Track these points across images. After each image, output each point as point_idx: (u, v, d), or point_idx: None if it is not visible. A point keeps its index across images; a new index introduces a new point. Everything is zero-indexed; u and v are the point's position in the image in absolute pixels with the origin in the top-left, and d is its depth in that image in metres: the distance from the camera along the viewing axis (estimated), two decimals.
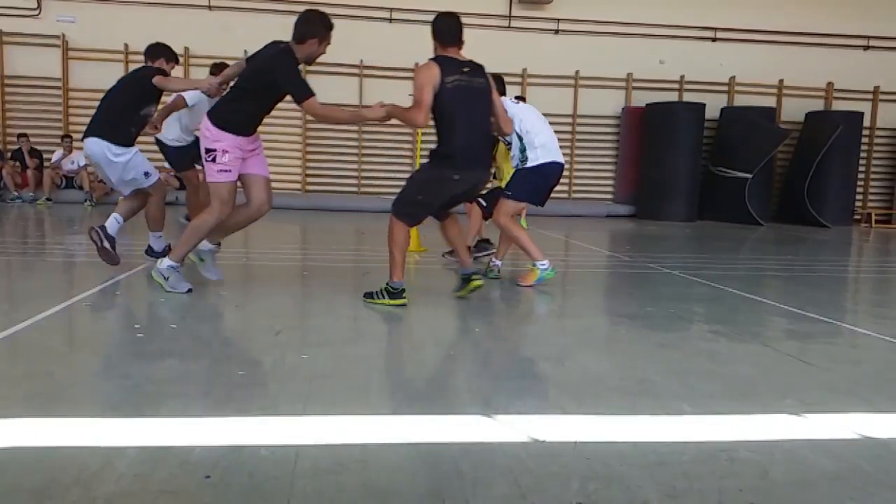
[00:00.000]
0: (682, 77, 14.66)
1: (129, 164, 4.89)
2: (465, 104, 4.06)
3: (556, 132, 5.31)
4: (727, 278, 5.87)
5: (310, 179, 13.90)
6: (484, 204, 5.85)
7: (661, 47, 14.53)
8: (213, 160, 4.12)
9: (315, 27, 4.07)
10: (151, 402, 2.40)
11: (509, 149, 5.26)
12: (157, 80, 4.83)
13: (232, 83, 4.30)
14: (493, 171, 5.73)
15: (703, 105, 13.79)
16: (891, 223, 14.97)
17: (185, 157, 6.55)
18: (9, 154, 12.51)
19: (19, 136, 12.48)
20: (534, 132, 5.01)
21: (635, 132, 14.10)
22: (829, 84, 14.91)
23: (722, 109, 14.29)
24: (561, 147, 5.32)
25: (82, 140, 4.99)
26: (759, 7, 14.39)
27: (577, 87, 14.40)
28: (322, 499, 1.76)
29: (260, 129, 4.32)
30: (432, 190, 4.17)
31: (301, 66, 4.13)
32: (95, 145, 4.83)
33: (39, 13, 13.02)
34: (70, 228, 8.82)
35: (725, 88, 14.81)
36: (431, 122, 4.14)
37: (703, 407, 2.57)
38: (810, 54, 14.81)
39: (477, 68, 4.17)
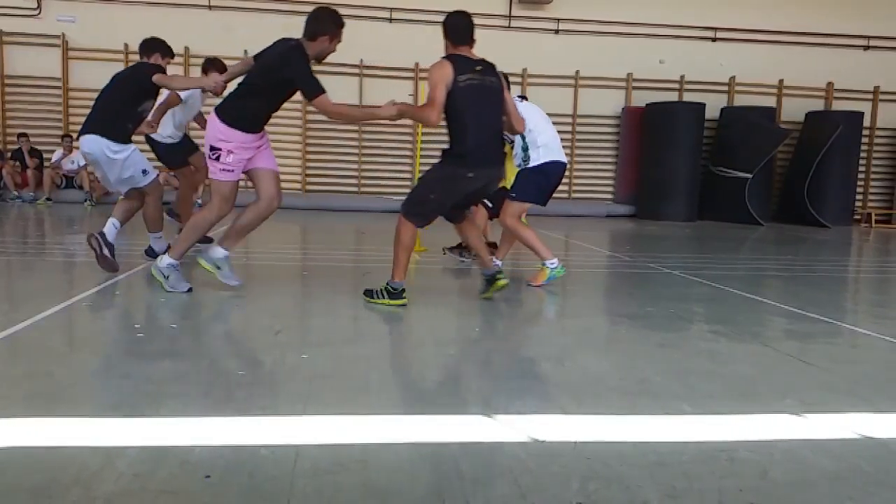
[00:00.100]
0: (683, 77, 14.66)
1: (127, 161, 4.84)
2: (477, 103, 4.05)
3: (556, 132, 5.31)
4: (727, 278, 5.86)
5: (310, 179, 13.91)
6: (490, 205, 5.85)
7: (662, 47, 14.53)
8: (217, 159, 4.11)
9: (327, 24, 4.07)
10: (151, 402, 2.40)
11: (511, 148, 5.26)
12: (157, 78, 4.78)
13: (239, 80, 4.27)
14: None
15: (704, 105, 13.79)
16: (891, 223, 14.97)
17: (177, 154, 6.49)
18: (9, 154, 12.52)
19: (19, 135, 12.49)
20: (537, 131, 4.99)
21: (635, 132, 14.10)
22: (830, 84, 14.91)
23: (722, 109, 14.29)
24: (562, 146, 5.32)
25: (78, 138, 4.94)
26: (759, 7, 14.39)
27: (577, 86, 14.40)
28: (322, 498, 1.76)
29: None
30: (445, 189, 4.14)
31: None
32: (93, 142, 4.78)
33: (39, 13, 13.03)
34: (70, 228, 8.82)
35: (725, 88, 14.81)
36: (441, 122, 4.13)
37: (703, 407, 2.57)
38: (810, 54, 14.81)
39: (489, 67, 4.17)
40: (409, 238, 4.19)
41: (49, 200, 12.04)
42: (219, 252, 4.34)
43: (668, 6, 14.35)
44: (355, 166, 14.05)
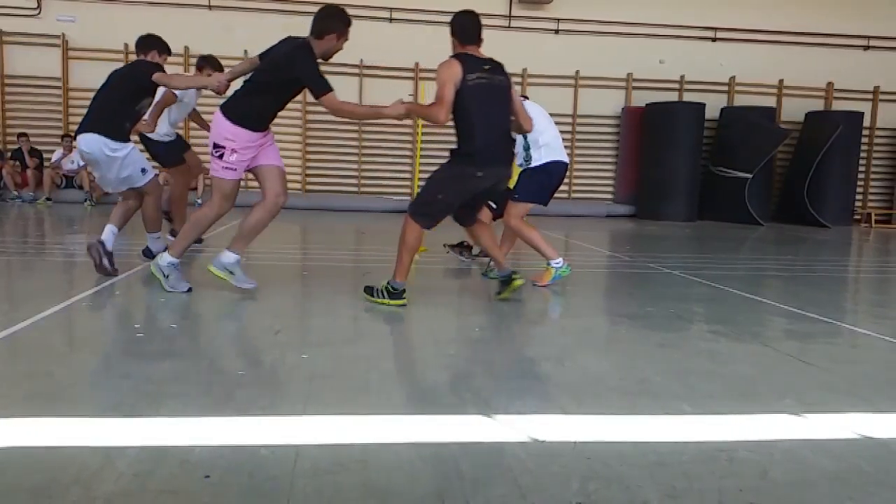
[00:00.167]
0: (683, 77, 14.66)
1: (126, 159, 4.78)
2: (486, 102, 4.04)
3: None
4: (727, 278, 5.86)
5: (310, 179, 13.90)
6: (494, 206, 5.85)
7: (662, 47, 14.54)
8: (220, 157, 4.10)
9: (334, 22, 4.06)
10: (151, 402, 2.39)
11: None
12: (157, 76, 4.72)
13: (243, 79, 4.25)
14: None
15: (703, 105, 13.80)
16: (891, 223, 14.97)
17: (174, 152, 6.45)
18: (9, 154, 12.52)
19: (19, 135, 12.49)
20: (538, 131, 4.97)
21: (635, 132, 14.10)
22: (830, 84, 14.91)
23: (722, 109, 14.29)
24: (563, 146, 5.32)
25: (75, 136, 4.87)
26: (759, 7, 14.39)
27: (577, 86, 14.40)
28: (322, 498, 1.76)
29: None
30: (454, 188, 4.13)
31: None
32: (92, 141, 4.71)
33: (39, 13, 13.03)
34: (70, 228, 8.82)
35: (725, 88, 14.81)
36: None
37: (702, 407, 2.57)
38: (810, 54, 14.81)
39: (497, 66, 4.17)
40: (414, 239, 4.17)
41: (49, 200, 12.03)
42: (230, 257, 4.28)
43: (668, 6, 14.35)
44: (355, 166, 14.05)
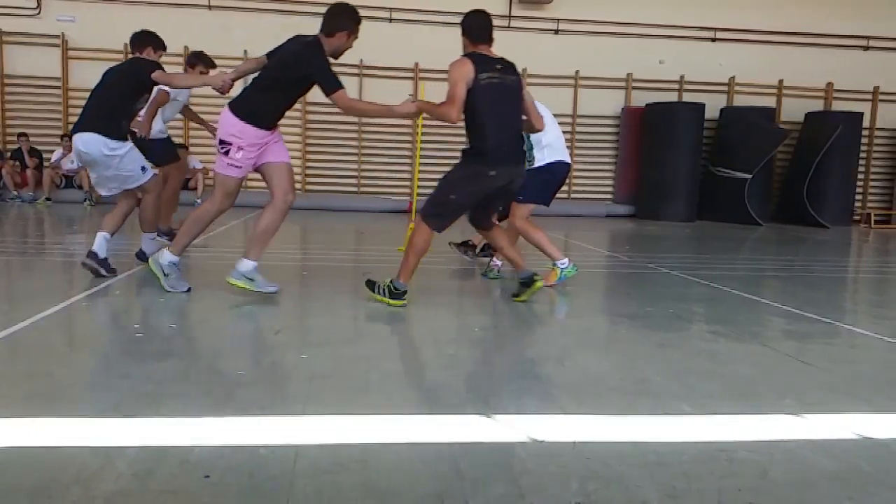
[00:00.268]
0: (682, 77, 14.66)
1: (126, 157, 4.71)
2: (498, 101, 4.04)
3: None
4: (727, 278, 5.87)
5: (309, 179, 13.90)
6: (499, 207, 5.82)
7: (661, 47, 14.54)
8: (226, 153, 4.08)
9: (344, 20, 4.06)
10: (151, 402, 2.40)
11: None
12: (157, 75, 4.63)
13: (251, 77, 4.23)
14: None
15: (703, 105, 13.80)
16: (890, 223, 14.97)
17: (169, 149, 6.39)
18: (8, 154, 12.52)
19: (19, 135, 12.49)
20: (541, 131, 4.97)
21: (635, 132, 14.11)
22: (829, 84, 14.91)
23: (721, 109, 14.30)
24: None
25: (72, 135, 4.77)
26: (758, 7, 14.39)
27: (576, 87, 14.41)
28: (321, 499, 1.76)
29: None
30: (466, 188, 4.11)
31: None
32: (90, 140, 4.61)
33: (39, 13, 13.03)
34: (69, 228, 8.82)
35: (725, 88, 14.82)
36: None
37: (702, 407, 2.57)
38: (810, 54, 14.81)
39: (509, 66, 4.16)
40: (423, 242, 4.16)
41: (48, 200, 12.03)
42: (247, 265, 4.20)
43: (668, 6, 14.36)
44: (355, 166, 14.05)
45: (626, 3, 14.17)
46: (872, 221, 14.84)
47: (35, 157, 12.46)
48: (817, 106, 14.86)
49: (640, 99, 14.35)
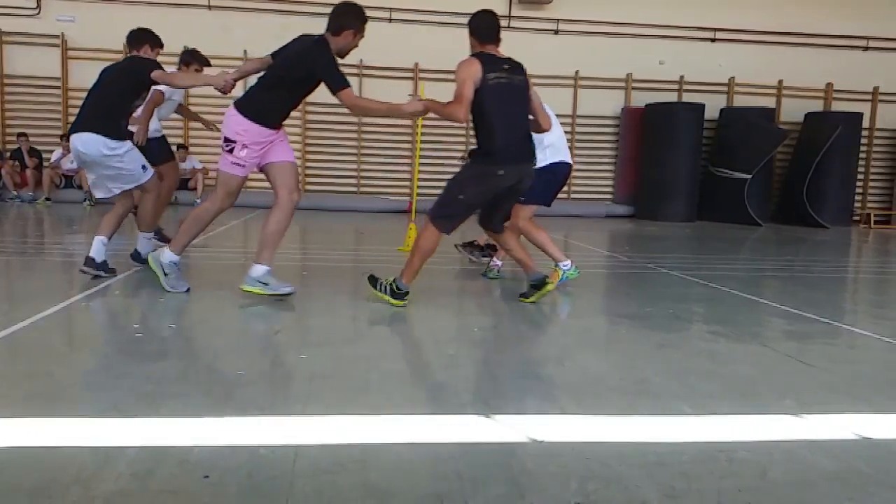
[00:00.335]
0: (682, 77, 14.67)
1: (126, 156, 4.64)
2: (505, 101, 4.04)
3: None
4: (726, 279, 5.87)
5: (309, 179, 13.90)
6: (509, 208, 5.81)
7: (661, 48, 14.55)
8: (231, 151, 4.07)
9: (351, 19, 4.05)
10: (151, 402, 2.39)
11: None
12: (157, 74, 4.55)
13: (258, 75, 4.21)
14: None
15: (703, 105, 13.81)
16: (889, 224, 14.98)
17: (164, 148, 6.34)
18: (8, 154, 12.52)
19: (19, 135, 12.50)
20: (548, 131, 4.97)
21: (635, 132, 14.11)
22: (829, 85, 14.92)
23: (721, 110, 14.31)
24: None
25: (69, 135, 4.70)
26: (758, 7, 14.40)
27: (576, 87, 14.41)
28: (321, 499, 1.76)
29: None
30: (475, 188, 4.10)
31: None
32: (89, 140, 4.54)
33: (39, 13, 13.03)
34: (69, 228, 8.82)
35: (725, 89, 14.82)
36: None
37: (702, 407, 2.57)
38: (809, 55, 14.82)
39: (517, 66, 4.17)
40: (429, 244, 4.15)
41: (48, 200, 12.03)
42: (259, 270, 4.17)
43: (667, 6, 14.36)
44: (354, 166, 14.05)
45: (625, 4, 14.17)
46: (872, 222, 14.85)
47: (35, 157, 12.46)
48: (817, 106, 14.87)
49: (640, 99, 14.35)
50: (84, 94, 4.85)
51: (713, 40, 14.70)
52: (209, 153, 13.10)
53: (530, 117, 4.27)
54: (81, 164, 4.85)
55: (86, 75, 13.19)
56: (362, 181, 14.09)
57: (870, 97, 15.05)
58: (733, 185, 13.27)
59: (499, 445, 2.15)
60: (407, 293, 4.16)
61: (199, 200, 12.02)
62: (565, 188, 14.38)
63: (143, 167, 4.79)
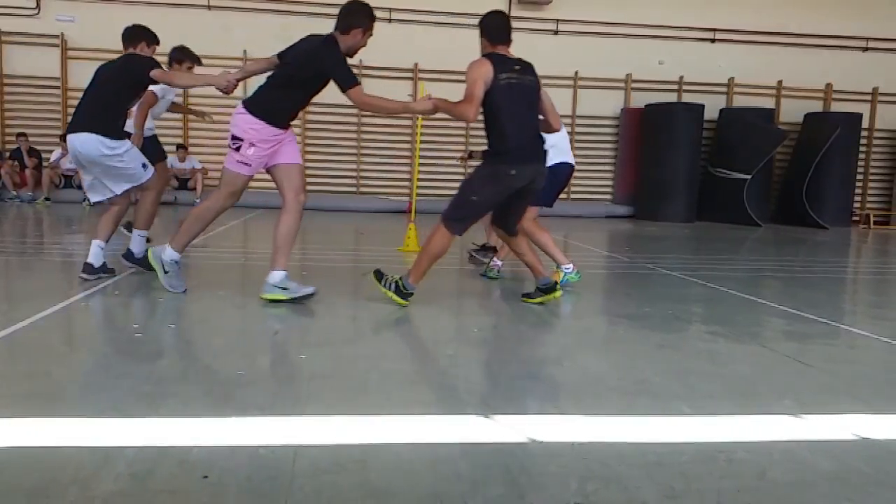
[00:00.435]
0: (682, 78, 14.67)
1: (126, 155, 4.57)
2: (516, 102, 4.05)
3: None
4: (726, 279, 5.87)
5: (308, 179, 13.87)
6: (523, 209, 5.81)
7: (661, 48, 14.55)
8: (238, 149, 4.05)
9: (360, 18, 4.05)
10: (150, 402, 2.39)
11: None
12: (157, 74, 4.46)
13: (267, 75, 4.19)
14: None
15: (702, 106, 13.81)
16: (889, 224, 14.99)
17: (158, 147, 6.30)
18: (7, 153, 12.51)
19: (18, 135, 12.50)
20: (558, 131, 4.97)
21: (634, 133, 14.12)
22: (828, 85, 14.93)
23: (721, 110, 14.31)
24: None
25: (67, 135, 4.62)
26: (758, 8, 14.41)
27: (576, 87, 14.41)
28: (320, 499, 1.76)
29: None
30: (487, 188, 4.10)
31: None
32: (88, 140, 4.46)
33: (39, 13, 13.03)
34: (69, 228, 8.81)
35: (724, 89, 14.83)
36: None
37: (701, 407, 2.57)
38: (809, 55, 14.83)
39: (527, 66, 4.18)
40: (439, 247, 4.15)
41: (48, 200, 12.03)
42: (276, 276, 4.14)
43: (667, 7, 14.37)
44: (354, 166, 14.05)
45: (625, 4, 14.18)
46: (871, 222, 14.86)
47: (34, 157, 12.46)
48: (816, 107, 14.88)
49: (640, 99, 14.36)
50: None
51: (713, 41, 14.71)
52: (209, 153, 13.12)
53: (540, 117, 4.28)
54: (79, 165, 4.74)
55: (85, 75, 13.05)
56: (362, 181, 14.09)
57: (869, 98, 15.05)
58: (733, 186, 13.28)
59: (498, 445, 2.15)
60: (412, 293, 4.16)
61: (198, 200, 12.02)
62: (565, 188, 14.48)
63: (144, 165, 4.73)
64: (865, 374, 3.25)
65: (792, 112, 14.67)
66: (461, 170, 13.54)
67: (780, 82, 14.81)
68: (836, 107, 14.81)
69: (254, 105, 4.05)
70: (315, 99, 4.26)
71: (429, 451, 2.08)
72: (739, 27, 14.54)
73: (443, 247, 4.16)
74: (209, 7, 13.24)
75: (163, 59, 4.96)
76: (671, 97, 14.53)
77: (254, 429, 2.19)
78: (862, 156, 14.83)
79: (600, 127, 14.70)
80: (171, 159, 12.69)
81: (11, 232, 8.31)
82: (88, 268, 4.60)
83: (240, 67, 4.34)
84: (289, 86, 4.07)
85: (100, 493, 1.73)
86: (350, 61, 4.08)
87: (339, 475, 1.89)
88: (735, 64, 14.62)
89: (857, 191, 14.96)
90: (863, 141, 14.75)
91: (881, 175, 15.52)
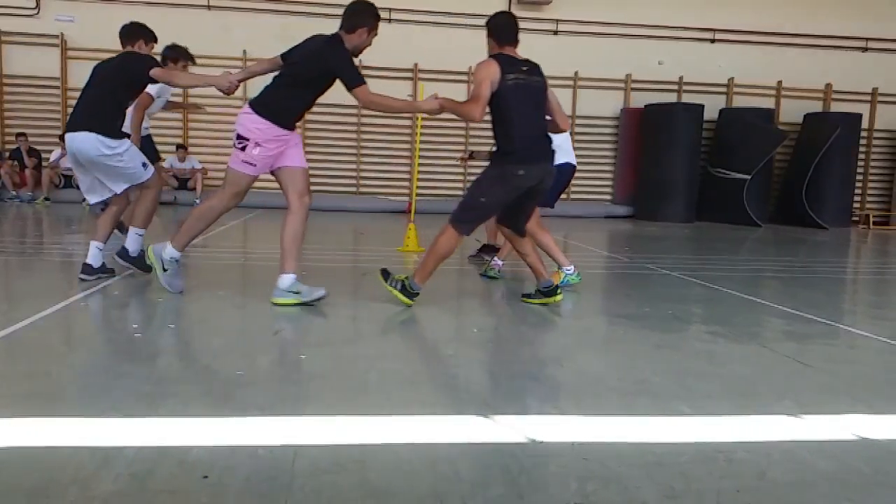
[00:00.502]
0: (681, 78, 14.67)
1: (126, 154, 4.52)
2: (523, 102, 4.06)
3: None
4: (725, 279, 5.87)
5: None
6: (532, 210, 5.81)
7: (660, 48, 14.55)
8: (243, 149, 4.03)
9: (365, 17, 4.05)
10: (149, 402, 2.39)
11: None
12: (157, 73, 4.41)
13: (273, 76, 4.17)
14: None
15: (702, 106, 13.81)
16: (889, 224, 14.99)
17: (152, 147, 6.27)
18: (7, 153, 12.51)
19: (18, 135, 12.50)
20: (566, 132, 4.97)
21: (634, 133, 14.12)
22: (828, 85, 14.93)
23: (720, 110, 14.31)
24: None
25: (65, 134, 4.57)
26: (757, 8, 14.41)
27: (575, 87, 14.41)
28: (320, 499, 1.76)
29: None
30: (496, 189, 4.11)
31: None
32: (87, 139, 4.40)
33: (38, 13, 13.03)
34: (68, 228, 8.81)
35: (724, 89, 14.83)
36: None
37: (701, 407, 2.57)
38: (809, 55, 14.83)
39: (534, 67, 4.19)
40: (446, 248, 4.16)
41: (47, 200, 12.03)
42: (286, 280, 4.13)
43: (667, 7, 14.37)
44: (353, 166, 14.05)
45: (625, 4, 14.18)
46: (871, 222, 14.86)
47: (34, 157, 12.46)
48: (816, 107, 14.88)
49: (640, 100, 14.36)
50: None
51: (712, 41, 14.71)
52: (209, 153, 13.12)
53: (548, 118, 4.29)
54: (76, 165, 4.66)
55: (85, 75, 12.98)
56: (361, 181, 14.09)
57: (869, 98, 15.06)
58: (732, 186, 13.28)
59: (498, 446, 2.15)
60: (417, 294, 4.17)
61: (198, 200, 12.02)
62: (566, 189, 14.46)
63: (144, 164, 4.69)
64: (865, 374, 3.25)
65: (792, 112, 14.67)
66: (461, 170, 13.56)
67: (779, 82, 14.82)
68: (836, 107, 14.81)
69: (260, 105, 4.04)
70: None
71: (429, 451, 2.08)
72: (739, 27, 14.54)
73: (450, 247, 4.18)
74: (209, 7, 13.24)
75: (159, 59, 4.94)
76: (671, 97, 14.53)
77: (253, 429, 2.19)
78: (861, 156, 14.84)
79: (600, 127, 14.70)
80: (171, 159, 12.73)
81: (11, 232, 8.30)
82: (87, 268, 4.59)
83: (241, 68, 4.32)
84: (295, 85, 4.06)
85: (99, 494, 1.73)
86: None
87: (339, 475, 1.89)
88: (735, 64, 14.63)
89: (857, 191, 14.96)
90: (862, 141, 14.75)
91: (881, 175, 15.53)
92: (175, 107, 6.90)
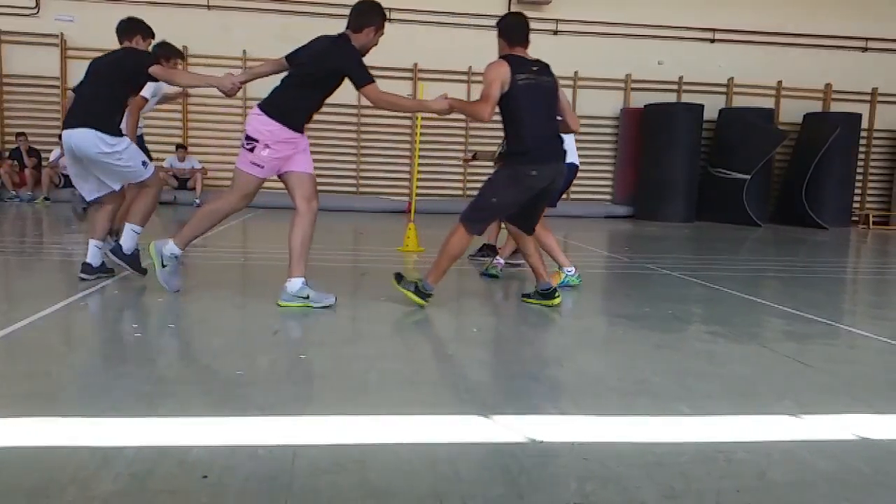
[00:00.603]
0: (681, 78, 14.67)
1: (126, 152, 4.47)
2: (534, 102, 4.07)
3: None
4: (725, 279, 5.87)
5: None
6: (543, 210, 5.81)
7: (660, 48, 14.55)
8: (252, 150, 4.02)
9: (372, 16, 4.05)
10: (149, 402, 2.39)
11: None
12: (157, 71, 4.34)
13: (282, 77, 4.15)
14: None
15: (702, 106, 13.81)
16: (888, 224, 14.99)
17: (143, 147, 6.13)
18: (7, 153, 12.51)
19: (17, 135, 12.49)
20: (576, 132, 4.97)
21: (634, 133, 14.12)
22: (828, 85, 14.93)
23: (720, 110, 14.31)
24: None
25: (63, 132, 4.53)
26: (757, 8, 14.41)
27: (575, 87, 14.40)
28: (320, 499, 1.76)
29: None
30: (509, 189, 4.12)
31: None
32: (86, 136, 4.36)
33: (38, 12, 13.02)
34: (68, 228, 8.81)
35: (724, 89, 14.83)
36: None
37: (701, 407, 2.57)
38: (809, 55, 14.83)
39: (544, 67, 4.21)
40: (458, 248, 4.17)
41: (47, 200, 12.03)
42: (295, 284, 4.12)
43: (667, 7, 14.37)
44: (353, 166, 14.05)
45: (625, 4, 14.17)
46: (871, 222, 14.86)
47: (33, 157, 12.46)
48: (816, 107, 14.88)
49: (639, 100, 14.35)
50: None
51: (712, 41, 14.71)
52: (209, 153, 13.11)
53: (558, 118, 4.29)
54: (73, 163, 4.60)
55: None
56: (361, 181, 14.08)
57: (869, 98, 15.06)
58: (732, 186, 13.28)
59: (498, 446, 2.15)
60: (431, 294, 4.18)
61: (197, 201, 12.02)
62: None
63: (144, 163, 4.65)
64: (865, 374, 3.25)
65: (791, 112, 14.67)
66: (461, 170, 13.56)
67: (779, 82, 14.81)
68: (836, 107, 14.81)
69: (269, 106, 4.02)
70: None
71: (429, 451, 2.08)
72: (739, 27, 14.54)
73: (461, 247, 4.19)
74: (209, 7, 13.23)
75: None
76: (671, 97, 14.53)
77: (253, 429, 2.19)
78: (861, 156, 14.84)
79: (600, 127, 14.69)
80: (171, 159, 12.73)
81: (11, 232, 8.30)
82: (87, 268, 4.59)
83: (242, 68, 4.31)
84: (303, 86, 4.05)
85: (99, 493, 1.73)
86: None
87: (339, 475, 1.89)
88: (735, 64, 14.62)
89: (857, 191, 14.96)
90: (862, 141, 14.75)
91: (880, 175, 15.52)
92: (171, 98, 6.85)
